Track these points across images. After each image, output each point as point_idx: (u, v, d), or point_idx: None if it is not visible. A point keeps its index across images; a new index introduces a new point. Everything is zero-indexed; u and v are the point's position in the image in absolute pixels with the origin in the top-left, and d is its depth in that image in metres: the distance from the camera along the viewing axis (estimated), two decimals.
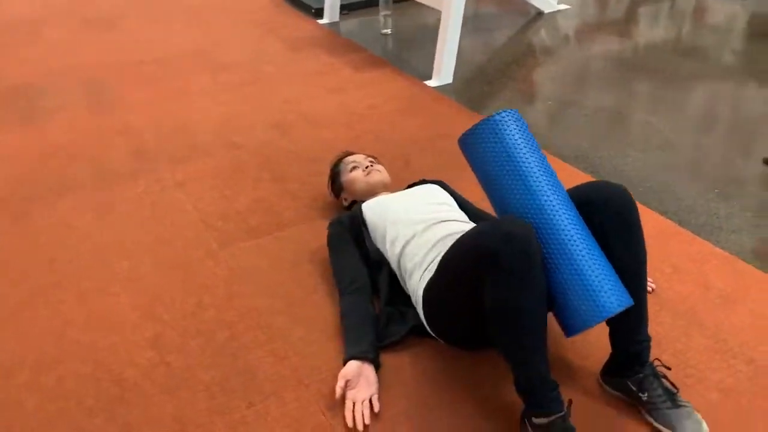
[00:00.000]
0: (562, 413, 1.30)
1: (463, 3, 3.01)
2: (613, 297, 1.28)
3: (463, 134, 1.49)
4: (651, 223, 2.08)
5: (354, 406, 1.45)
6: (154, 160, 2.59)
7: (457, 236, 1.61)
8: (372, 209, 1.86)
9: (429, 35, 3.82)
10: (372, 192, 2.02)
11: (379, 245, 1.81)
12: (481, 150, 1.44)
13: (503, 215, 1.39)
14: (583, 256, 1.30)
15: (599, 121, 2.82)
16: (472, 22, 4.12)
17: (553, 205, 1.33)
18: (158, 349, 1.67)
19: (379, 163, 2.12)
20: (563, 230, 1.31)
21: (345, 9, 4.29)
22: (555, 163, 2.45)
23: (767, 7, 4.22)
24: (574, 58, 3.50)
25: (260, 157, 2.57)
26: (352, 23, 4.19)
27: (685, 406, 1.39)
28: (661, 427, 1.39)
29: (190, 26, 4.24)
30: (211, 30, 4.15)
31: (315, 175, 2.41)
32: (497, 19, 4.16)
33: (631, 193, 1.48)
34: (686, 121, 2.79)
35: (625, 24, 4.04)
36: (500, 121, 1.42)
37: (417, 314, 1.66)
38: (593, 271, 1.29)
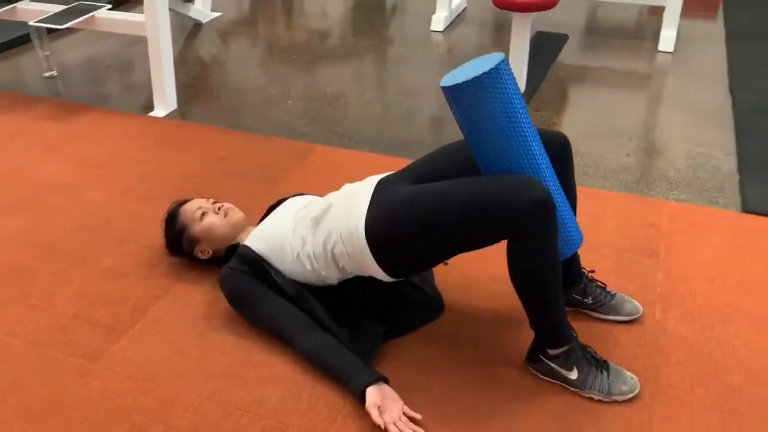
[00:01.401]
0: (575, 338, 1.55)
1: (169, 23, 2.85)
2: (578, 233, 1.55)
3: (459, 83, 1.46)
4: None
5: (397, 426, 1.45)
6: None
7: (353, 185, 1.73)
8: (261, 242, 1.77)
9: (100, 65, 3.50)
10: (235, 233, 1.90)
11: (292, 267, 1.73)
12: (478, 101, 1.45)
13: (513, 175, 1.48)
14: (559, 203, 1.52)
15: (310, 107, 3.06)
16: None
17: (541, 157, 1.50)
18: None
19: (220, 201, 1.99)
20: (547, 180, 1.50)
21: None
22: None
23: None
24: (244, 57, 3.64)
25: (35, 247, 2.11)
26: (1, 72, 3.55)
27: (617, 294, 1.77)
28: (611, 317, 1.75)
29: None
30: None
31: (122, 243, 2.12)
32: None
33: None
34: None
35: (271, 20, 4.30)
36: (503, 69, 1.46)
37: (373, 326, 1.69)
38: (566, 215, 1.54)
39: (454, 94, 1.49)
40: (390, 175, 1.72)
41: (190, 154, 2.65)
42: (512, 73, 1.49)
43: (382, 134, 2.83)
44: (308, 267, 1.72)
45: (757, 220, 2.20)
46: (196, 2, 4.05)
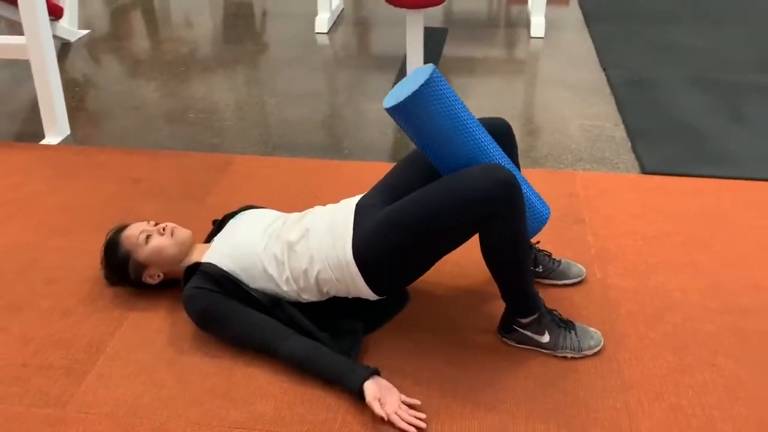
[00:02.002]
0: (543, 304, 1.67)
1: (53, 44, 2.66)
2: (544, 206, 1.66)
3: (401, 101, 1.53)
4: None
5: (399, 416, 1.49)
6: None
7: (329, 207, 1.77)
8: (228, 258, 1.73)
9: None
10: (186, 251, 1.83)
11: (264, 284, 1.71)
12: (422, 112, 1.53)
13: (477, 164, 1.56)
14: (522, 181, 1.62)
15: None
16: None
17: (491, 146, 1.60)
18: None
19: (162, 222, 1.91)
20: (504, 164, 1.60)
21: None
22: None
23: None
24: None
25: None
26: None
27: (561, 259, 1.92)
28: (561, 282, 1.90)
29: None
30: None
31: (54, 282, 1.97)
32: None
33: None
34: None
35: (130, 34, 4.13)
36: (437, 78, 1.54)
37: (350, 323, 1.72)
38: (529, 192, 1.65)
39: (399, 112, 1.57)
40: (365, 196, 1.76)
41: (100, 180, 2.50)
42: (445, 79, 1.59)
43: (295, 138, 2.83)
44: (285, 288, 1.71)
45: (655, 179, 2.47)
46: (62, 20, 3.79)
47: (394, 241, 1.59)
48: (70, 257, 2.08)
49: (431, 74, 1.54)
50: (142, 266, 1.83)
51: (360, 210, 1.70)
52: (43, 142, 2.77)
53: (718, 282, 1.94)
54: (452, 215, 1.53)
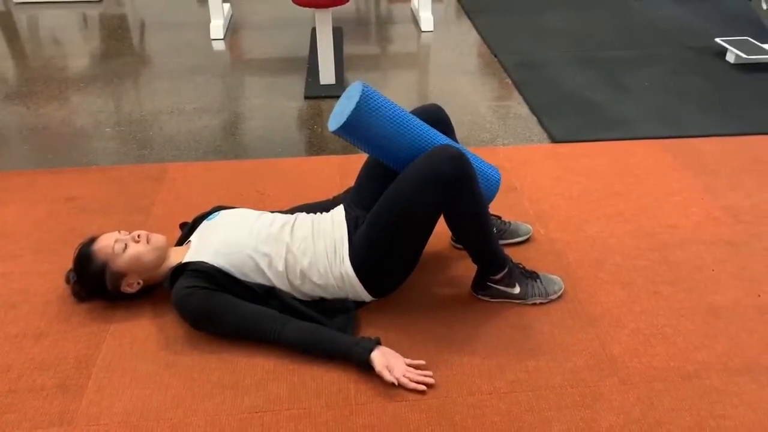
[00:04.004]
0: (510, 259, 1.84)
1: None
2: (494, 171, 1.84)
3: (344, 122, 1.67)
4: None
5: (408, 378, 1.61)
6: None
7: (317, 217, 1.84)
8: (218, 256, 1.76)
9: None
10: (163, 256, 1.84)
11: (256, 278, 1.76)
12: (365, 125, 1.68)
13: (425, 152, 1.70)
14: (467, 153, 1.78)
15: None
16: None
17: (433, 133, 1.77)
18: None
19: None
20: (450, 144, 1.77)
21: None
22: None
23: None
24: None
25: None
26: None
27: (510, 221, 2.12)
28: (514, 240, 2.11)
29: None
30: None
31: (15, 307, 1.88)
32: None
33: None
34: None
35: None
36: (369, 92, 1.68)
37: (340, 302, 1.80)
38: (477, 161, 1.82)
39: (344, 131, 1.73)
40: (350, 204, 1.87)
41: (29, 203, 2.38)
42: (375, 91, 1.75)
43: (222, 142, 2.84)
44: (279, 285, 1.78)
45: (565, 147, 2.75)
46: None
47: (381, 243, 1.72)
48: (25, 281, 1.99)
49: (363, 90, 1.71)
50: (120, 275, 1.81)
51: (350, 221, 1.81)
52: None
53: (642, 226, 2.23)
54: (418, 202, 1.68)
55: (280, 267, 1.77)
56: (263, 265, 1.77)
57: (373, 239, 1.73)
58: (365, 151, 1.80)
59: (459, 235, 1.81)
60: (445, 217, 1.77)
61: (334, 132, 1.73)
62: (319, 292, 1.80)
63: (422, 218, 1.72)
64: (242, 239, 1.79)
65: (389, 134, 1.73)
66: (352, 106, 1.69)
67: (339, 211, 1.86)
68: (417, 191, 1.67)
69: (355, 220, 1.82)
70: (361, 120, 1.70)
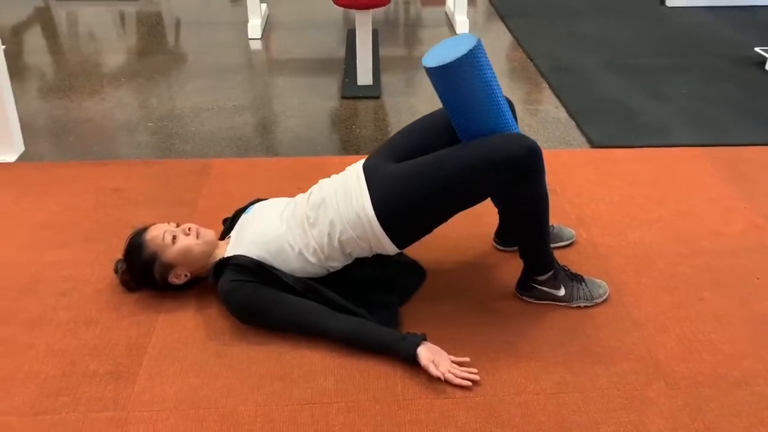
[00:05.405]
0: (557, 261, 1.85)
1: (4, 59, 2.54)
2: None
3: (447, 63, 1.64)
4: None
5: (453, 374, 1.62)
6: None
7: (332, 177, 1.87)
8: (255, 247, 1.78)
9: None
10: (211, 250, 1.87)
11: (295, 264, 1.78)
12: (464, 76, 1.65)
13: (502, 133, 1.71)
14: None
15: None
16: None
17: (511, 119, 1.76)
18: None
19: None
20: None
21: None
22: None
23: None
24: None
25: None
26: None
27: (555, 225, 2.12)
28: (558, 244, 2.10)
29: None
30: None
31: (65, 294, 1.91)
32: None
33: None
34: None
35: None
36: (480, 47, 1.66)
37: (384, 297, 1.82)
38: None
39: (442, 72, 1.68)
40: (371, 158, 1.85)
41: (76, 193, 2.43)
42: (485, 51, 1.72)
43: (262, 139, 2.88)
44: (313, 260, 1.79)
45: (604, 152, 2.75)
46: None
47: (419, 193, 1.69)
48: (75, 269, 2.03)
49: (477, 42, 1.67)
50: (168, 267, 1.84)
51: (369, 170, 1.79)
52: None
53: (683, 232, 2.22)
54: (481, 172, 1.67)
55: (310, 238, 1.77)
56: (296, 243, 1.78)
57: (411, 187, 1.70)
58: (443, 101, 1.76)
59: (516, 227, 1.81)
60: (508, 207, 1.79)
61: (430, 69, 1.70)
62: (345, 250, 1.78)
63: (474, 188, 1.71)
64: (273, 226, 1.81)
65: (477, 96, 1.69)
66: (461, 51, 1.66)
67: (354, 165, 1.85)
68: (486, 167, 1.66)
69: (381, 167, 1.79)
70: (462, 68, 1.66)
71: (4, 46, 3.83)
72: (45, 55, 3.82)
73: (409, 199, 1.71)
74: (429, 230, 1.80)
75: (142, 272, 1.86)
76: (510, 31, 4.17)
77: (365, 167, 1.81)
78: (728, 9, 4.54)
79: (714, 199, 2.41)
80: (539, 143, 1.71)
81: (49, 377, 1.66)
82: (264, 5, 4.33)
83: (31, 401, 1.59)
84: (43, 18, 4.44)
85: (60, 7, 4.61)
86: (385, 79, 3.50)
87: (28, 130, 2.90)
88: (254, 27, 4.00)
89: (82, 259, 2.08)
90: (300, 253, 1.79)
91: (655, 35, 4.11)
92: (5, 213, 2.32)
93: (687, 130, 2.93)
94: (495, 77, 1.74)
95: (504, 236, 2.11)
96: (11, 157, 2.65)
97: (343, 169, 1.89)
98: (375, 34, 4.09)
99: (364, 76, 3.31)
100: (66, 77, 3.50)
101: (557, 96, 3.26)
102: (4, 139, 2.64)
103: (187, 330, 1.81)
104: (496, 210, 2.06)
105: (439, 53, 1.72)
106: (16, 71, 3.55)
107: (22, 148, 2.72)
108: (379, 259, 1.86)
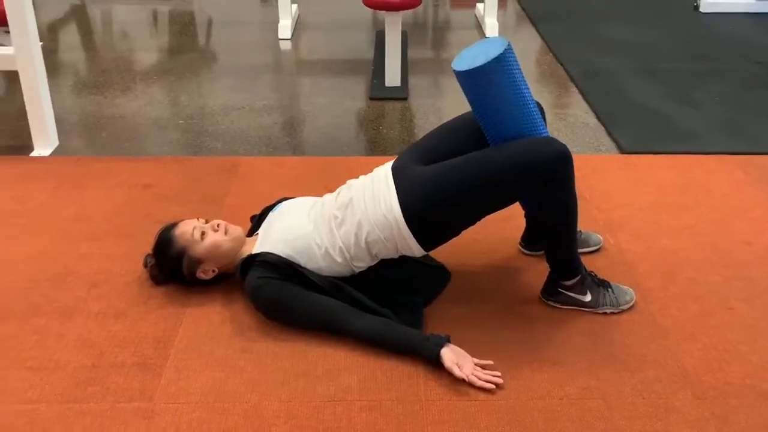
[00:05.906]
0: (584, 266, 1.84)
1: (41, 55, 2.60)
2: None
3: (477, 66, 1.64)
4: None
5: (476, 376, 1.62)
6: None
7: (360, 178, 1.88)
8: (283, 244, 1.80)
9: None
10: (239, 246, 1.89)
11: (321, 263, 1.79)
12: (493, 80, 1.65)
13: (534, 137, 1.71)
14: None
15: None
16: None
17: (541, 124, 1.75)
18: None
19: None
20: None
21: None
22: None
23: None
24: None
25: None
26: None
27: (582, 230, 2.09)
28: (585, 249, 2.07)
29: None
30: None
31: (96, 286, 1.95)
32: None
33: None
34: None
35: None
36: (510, 51, 1.65)
37: (408, 298, 1.83)
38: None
39: (471, 76, 1.69)
40: (399, 160, 1.86)
41: (108, 188, 2.48)
42: (515, 55, 1.71)
43: (290, 138, 2.90)
44: (339, 260, 1.80)
45: (633, 158, 2.72)
46: None
47: (447, 195, 1.70)
48: (105, 262, 2.07)
49: (507, 46, 1.67)
50: (197, 262, 1.86)
51: (398, 172, 1.80)
52: (33, 154, 2.70)
53: (714, 240, 2.19)
54: (511, 175, 1.67)
55: (336, 238, 1.78)
56: (323, 242, 1.79)
57: (439, 189, 1.70)
58: (473, 105, 1.76)
59: (545, 231, 1.81)
60: (536, 211, 1.79)
61: (459, 73, 1.70)
62: (371, 251, 1.78)
63: (505, 191, 1.71)
64: (301, 224, 1.83)
65: (507, 100, 1.69)
66: (491, 55, 1.65)
67: (382, 167, 1.86)
68: (516, 170, 1.66)
69: (409, 169, 1.79)
70: (492, 72, 1.66)
71: (41, 43, 3.95)
72: (80, 52, 3.90)
73: (436, 201, 1.71)
74: (456, 233, 1.80)
75: (171, 267, 1.88)
76: (540, 34, 4.15)
77: (393, 169, 1.82)
78: (765, 15, 4.47)
79: (746, 208, 2.37)
80: (569, 148, 1.71)
81: (79, 367, 1.69)
82: (295, 6, 4.37)
83: (60, 390, 1.63)
84: (79, 16, 4.53)
85: (95, 6, 4.70)
86: (413, 81, 3.51)
87: (62, 125, 2.97)
88: (284, 27, 4.04)
89: (112, 252, 2.12)
90: (326, 252, 1.80)
91: (687, 40, 4.06)
92: (40, 205, 2.38)
93: (719, 137, 2.89)
94: (525, 81, 1.73)
95: (531, 240, 2.10)
96: (46, 151, 2.71)
97: (370, 170, 1.90)
98: (404, 35, 4.10)
99: (392, 77, 3.32)
100: (100, 74, 3.57)
101: (587, 101, 3.24)
102: (39, 133, 2.70)
103: (213, 325, 1.83)
104: (522, 213, 2.06)
105: (468, 57, 1.72)
106: (52, 67, 3.62)
107: (56, 143, 2.78)
108: (404, 260, 1.87)
